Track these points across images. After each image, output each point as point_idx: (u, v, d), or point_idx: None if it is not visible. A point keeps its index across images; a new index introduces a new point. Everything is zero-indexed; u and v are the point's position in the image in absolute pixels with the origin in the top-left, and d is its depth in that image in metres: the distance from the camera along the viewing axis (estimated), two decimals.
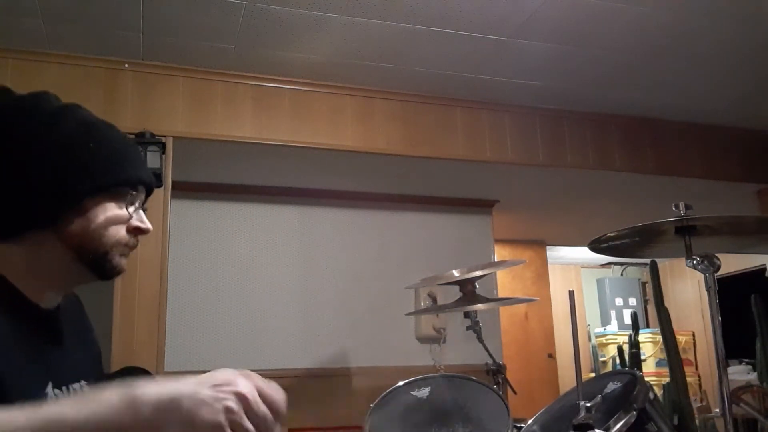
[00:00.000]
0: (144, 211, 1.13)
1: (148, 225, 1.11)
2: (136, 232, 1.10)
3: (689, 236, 1.81)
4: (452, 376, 1.97)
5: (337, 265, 4.24)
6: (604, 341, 7.58)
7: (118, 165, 1.08)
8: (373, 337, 4.18)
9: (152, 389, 0.79)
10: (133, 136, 3.15)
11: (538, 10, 2.94)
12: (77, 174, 1.03)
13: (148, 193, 1.15)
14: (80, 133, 1.06)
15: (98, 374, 1.20)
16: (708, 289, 1.79)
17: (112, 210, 1.07)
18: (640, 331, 6.10)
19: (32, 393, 0.97)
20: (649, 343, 6.99)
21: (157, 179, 3.14)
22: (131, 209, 1.09)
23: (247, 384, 0.83)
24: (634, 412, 1.41)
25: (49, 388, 1.01)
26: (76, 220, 1.03)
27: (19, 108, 1.06)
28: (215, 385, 0.81)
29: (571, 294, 1.32)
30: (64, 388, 1.05)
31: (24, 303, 1.02)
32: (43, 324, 1.05)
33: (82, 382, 1.10)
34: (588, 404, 1.27)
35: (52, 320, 1.07)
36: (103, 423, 0.76)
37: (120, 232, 1.08)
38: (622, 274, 8.49)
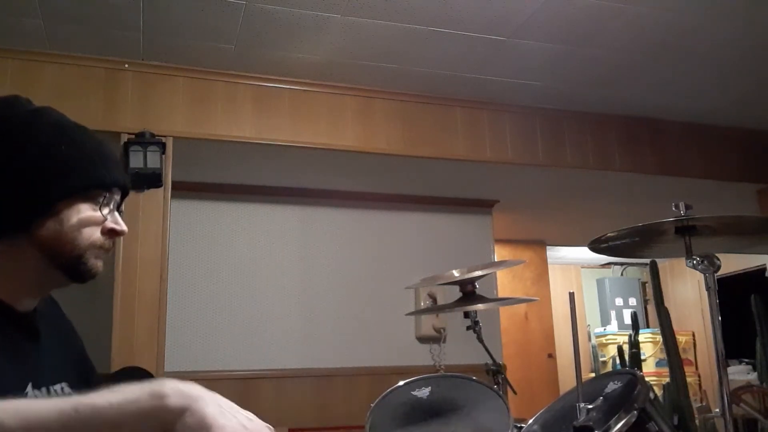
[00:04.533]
0: (120, 213, 1.12)
1: (123, 227, 1.10)
2: (111, 234, 1.09)
3: (689, 236, 1.81)
4: (452, 376, 1.97)
5: (337, 265, 4.24)
6: (604, 341, 7.58)
7: (91, 167, 1.06)
8: (373, 337, 4.18)
9: (180, 384, 0.82)
10: (133, 136, 3.15)
11: (538, 10, 2.94)
12: (50, 176, 1.02)
13: (124, 195, 1.14)
14: (53, 136, 1.05)
15: (82, 374, 1.19)
16: (708, 289, 1.79)
17: (85, 212, 1.05)
18: (640, 331, 6.11)
19: (12, 394, 0.97)
20: (649, 343, 6.99)
21: (157, 179, 3.14)
22: (105, 211, 1.08)
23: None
24: (635, 412, 1.40)
25: (29, 389, 1.01)
26: (49, 223, 1.02)
27: None
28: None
29: (572, 295, 1.32)
30: (44, 389, 1.05)
31: (0, 306, 1.02)
32: (20, 326, 1.04)
33: (63, 384, 1.10)
34: (590, 406, 1.26)
35: (29, 322, 1.07)
36: (131, 409, 0.78)
37: (94, 234, 1.07)
38: (622, 274, 8.49)
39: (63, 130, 1.07)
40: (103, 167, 1.09)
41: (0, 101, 1.07)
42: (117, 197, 1.12)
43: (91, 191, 1.06)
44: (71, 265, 1.05)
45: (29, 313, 1.07)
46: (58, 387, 1.08)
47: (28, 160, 1.02)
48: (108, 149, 1.13)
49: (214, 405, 0.80)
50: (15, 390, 0.98)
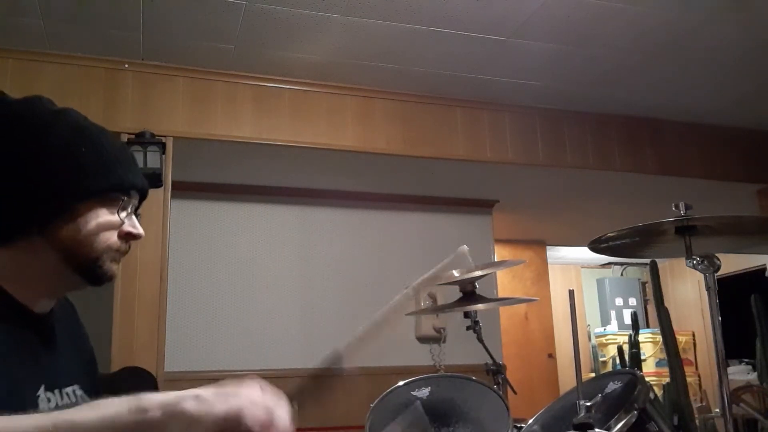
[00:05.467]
0: (137, 216, 1.12)
1: (140, 230, 1.10)
2: (127, 237, 1.09)
3: (689, 236, 1.81)
4: (452, 376, 1.97)
5: (337, 265, 4.24)
6: (604, 341, 7.58)
7: (111, 170, 1.06)
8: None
9: (157, 395, 0.82)
10: (133, 136, 3.15)
11: (538, 10, 2.94)
12: (69, 179, 1.02)
13: (142, 198, 1.14)
14: (73, 138, 1.04)
15: (92, 377, 1.20)
16: (708, 289, 1.79)
17: (103, 215, 1.05)
18: (640, 331, 6.10)
19: (25, 395, 0.97)
20: (649, 343, 6.99)
21: (157, 179, 3.13)
22: (123, 215, 1.07)
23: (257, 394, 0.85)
24: (635, 412, 1.40)
25: (42, 391, 1.01)
26: (67, 225, 1.02)
27: (13, 113, 1.04)
28: (222, 391, 0.83)
29: (571, 293, 1.31)
30: (56, 391, 1.05)
31: (16, 307, 1.02)
32: (35, 328, 1.04)
33: (75, 386, 1.09)
34: (588, 403, 1.26)
35: (44, 324, 1.07)
36: (111, 425, 0.78)
37: (111, 237, 1.06)
38: (622, 274, 8.49)
39: (83, 132, 1.07)
40: (123, 170, 1.08)
41: (22, 101, 1.07)
42: (135, 201, 1.11)
43: (110, 194, 1.06)
44: (88, 267, 1.05)
45: (45, 314, 1.07)
46: (70, 389, 1.08)
47: (48, 161, 1.01)
48: (128, 152, 1.13)
49: (192, 399, 0.80)
50: (27, 392, 0.98)
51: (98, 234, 1.05)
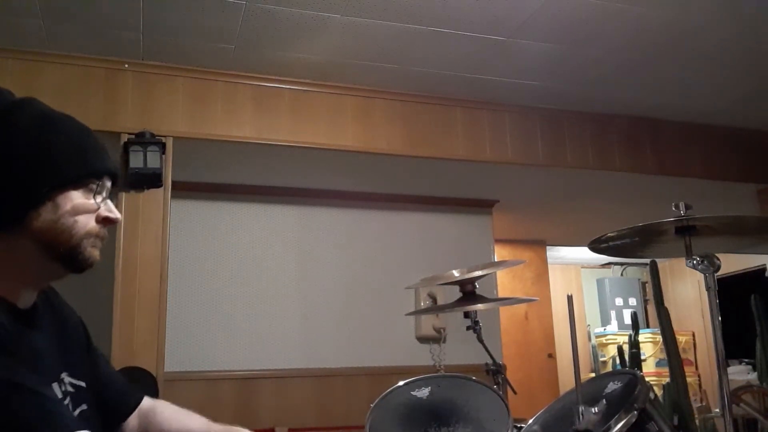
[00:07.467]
0: (112, 200, 1.12)
1: (117, 215, 1.10)
2: (105, 222, 1.09)
3: (689, 236, 1.81)
4: (452, 376, 1.97)
5: (337, 265, 4.24)
6: (604, 341, 7.58)
7: (82, 156, 1.06)
8: (373, 337, 4.18)
9: None
10: (133, 136, 3.15)
11: (538, 10, 2.94)
12: (42, 168, 1.02)
13: (114, 182, 1.13)
14: (39, 127, 1.04)
15: (85, 358, 1.20)
16: (708, 289, 1.79)
17: (78, 199, 1.05)
18: (640, 331, 6.11)
19: (46, 394, 0.97)
20: (649, 343, 6.99)
21: (157, 179, 3.13)
22: (99, 199, 1.08)
23: None
24: (635, 412, 1.40)
25: (55, 386, 1.02)
26: (44, 215, 1.02)
27: None
28: None
29: (569, 298, 1.31)
30: (60, 382, 1.05)
31: (5, 306, 1.01)
32: (26, 324, 1.04)
33: (64, 374, 1.09)
34: (594, 410, 1.26)
35: (32, 318, 1.06)
36: None
37: (89, 222, 1.06)
38: (622, 274, 8.49)
39: (48, 120, 1.07)
40: (93, 155, 1.08)
41: None
42: (108, 184, 1.11)
43: (83, 180, 1.06)
44: (68, 255, 1.05)
45: (31, 307, 1.07)
46: (61, 377, 1.08)
47: (16, 152, 1.01)
48: (95, 137, 1.12)
49: None
50: (48, 389, 0.99)
51: (76, 220, 1.04)
